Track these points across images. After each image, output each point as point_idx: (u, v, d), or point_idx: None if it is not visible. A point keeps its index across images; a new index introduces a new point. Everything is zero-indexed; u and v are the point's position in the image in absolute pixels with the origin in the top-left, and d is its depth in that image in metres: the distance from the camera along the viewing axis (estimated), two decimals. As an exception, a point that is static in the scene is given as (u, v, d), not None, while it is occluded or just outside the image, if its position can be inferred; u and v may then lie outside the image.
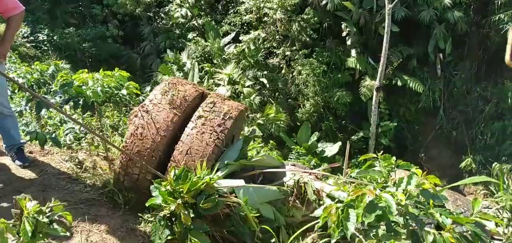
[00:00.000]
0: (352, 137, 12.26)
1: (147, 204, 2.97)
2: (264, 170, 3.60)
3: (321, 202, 3.21)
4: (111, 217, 3.52)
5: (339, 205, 2.13)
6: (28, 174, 4.08)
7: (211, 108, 3.63)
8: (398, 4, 11.32)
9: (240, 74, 11.86)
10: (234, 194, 3.08)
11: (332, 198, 2.29)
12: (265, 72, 12.34)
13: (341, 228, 2.04)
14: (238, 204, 3.01)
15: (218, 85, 11.90)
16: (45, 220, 2.14)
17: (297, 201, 3.33)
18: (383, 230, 2.05)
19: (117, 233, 3.35)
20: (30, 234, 2.09)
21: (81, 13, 15.64)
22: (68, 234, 2.27)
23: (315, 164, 9.88)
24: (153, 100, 3.69)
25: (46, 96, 6.97)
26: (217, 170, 3.31)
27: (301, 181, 3.35)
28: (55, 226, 2.21)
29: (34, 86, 8.08)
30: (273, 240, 3.52)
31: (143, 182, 3.45)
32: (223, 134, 3.45)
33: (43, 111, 6.45)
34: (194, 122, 3.51)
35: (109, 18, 15.67)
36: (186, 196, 2.80)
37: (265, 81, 12.08)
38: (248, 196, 3.12)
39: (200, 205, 2.84)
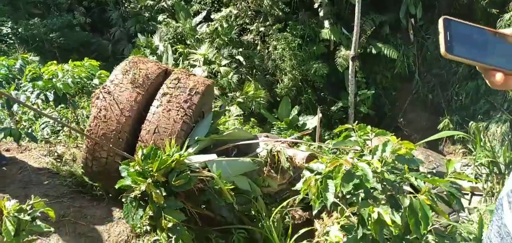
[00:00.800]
0: (332, 107, 12.41)
1: (116, 186, 2.91)
2: (237, 144, 3.56)
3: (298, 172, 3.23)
4: (97, 208, 3.50)
5: (317, 177, 2.18)
6: (7, 173, 4.00)
7: (176, 84, 3.51)
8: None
9: (215, 53, 11.74)
10: (207, 169, 3.04)
11: (311, 170, 2.33)
12: (241, 50, 12.25)
13: (321, 198, 2.09)
14: (211, 178, 2.98)
15: (193, 66, 11.76)
16: (27, 217, 2.12)
17: (272, 170, 3.33)
18: (362, 198, 2.12)
19: (104, 222, 3.34)
20: (12, 233, 2.07)
21: (45, 2, 15.05)
22: (52, 229, 2.25)
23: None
24: (114, 80, 3.53)
25: (16, 91, 6.79)
26: (187, 147, 3.24)
27: (274, 151, 3.33)
28: (38, 222, 2.19)
29: (3, 82, 7.83)
30: (251, 211, 3.57)
31: (112, 165, 3.36)
32: (190, 110, 3.36)
33: (15, 107, 6.29)
34: (159, 100, 3.40)
35: (75, 5, 15.19)
36: (156, 174, 2.78)
37: (241, 58, 12.02)
38: (222, 170, 3.09)
39: (172, 182, 2.82)
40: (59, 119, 3.13)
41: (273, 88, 12.34)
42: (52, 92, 6.14)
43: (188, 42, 12.62)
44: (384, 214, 1.89)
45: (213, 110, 4.14)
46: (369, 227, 1.99)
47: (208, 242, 3.44)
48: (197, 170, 3.00)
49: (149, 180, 2.75)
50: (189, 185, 2.88)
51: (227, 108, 10.26)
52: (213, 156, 3.18)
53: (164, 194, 2.76)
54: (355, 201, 2.19)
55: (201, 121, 3.57)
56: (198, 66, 11.61)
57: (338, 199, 2.34)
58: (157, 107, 3.36)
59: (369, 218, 1.94)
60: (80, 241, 3.17)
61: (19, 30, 13.06)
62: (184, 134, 3.31)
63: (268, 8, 12.30)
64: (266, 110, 11.49)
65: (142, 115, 3.40)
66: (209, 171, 3.03)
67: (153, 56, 12.45)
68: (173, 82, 3.51)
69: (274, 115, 11.73)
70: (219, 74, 11.40)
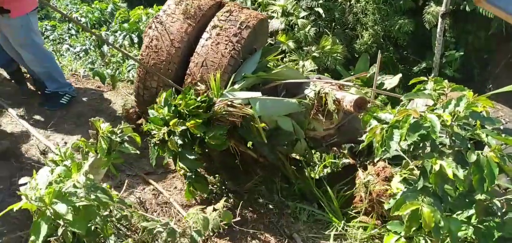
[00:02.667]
0: (414, 68, 11.72)
1: (144, 129, 3.06)
2: (286, 83, 3.40)
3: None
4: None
5: (384, 126, 2.18)
6: (98, 106, 4.56)
7: (227, 17, 3.38)
8: None
9: (294, 4, 11.54)
10: (249, 106, 2.97)
11: (378, 119, 2.33)
12: (321, 1, 11.90)
13: (384, 147, 2.11)
14: (250, 116, 2.91)
15: (271, 17, 11.74)
16: (118, 139, 2.44)
17: (318, 114, 3.17)
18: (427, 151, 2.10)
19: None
20: (105, 151, 2.41)
21: None
22: (138, 152, 2.55)
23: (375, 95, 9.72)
24: (167, 10, 3.49)
25: (106, 33, 7.45)
26: (233, 83, 3.18)
27: (322, 92, 3.16)
28: (126, 145, 2.50)
29: (96, 24, 8.61)
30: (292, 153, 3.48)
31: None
32: (239, 45, 3.23)
33: (106, 49, 6.93)
34: (209, 33, 3.31)
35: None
36: (171, 125, 2.86)
37: (320, 11, 11.68)
38: (265, 108, 3.02)
39: (206, 135, 2.87)
40: (133, 57, 3.23)
41: (352, 43, 11.91)
42: (136, 34, 6.67)
43: (267, -8, 12.56)
44: (447, 167, 1.86)
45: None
46: (430, 181, 1.98)
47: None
48: (239, 106, 2.95)
49: (165, 129, 2.86)
50: (223, 143, 2.92)
51: (302, 62, 10.21)
52: (257, 94, 3.08)
53: (182, 141, 2.86)
54: (419, 154, 2.17)
55: (250, 57, 3.43)
56: (276, 18, 11.57)
57: (402, 152, 2.33)
58: (206, 40, 3.28)
59: (431, 170, 1.93)
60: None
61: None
62: (231, 69, 3.22)
63: (353, -43, 11.71)
64: (342, 66, 11.21)
65: (192, 47, 3.36)
66: (251, 108, 2.96)
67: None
68: (224, 14, 3.41)
69: (350, 72, 11.41)
70: (296, 26, 11.27)
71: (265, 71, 3.42)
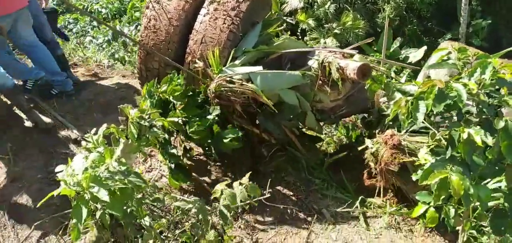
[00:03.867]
0: (439, 39, 11.39)
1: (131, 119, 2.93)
2: (291, 56, 3.30)
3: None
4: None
5: (409, 98, 2.17)
6: (124, 94, 4.69)
7: None
8: None
9: (313, -18, 11.40)
10: (250, 81, 2.89)
11: (402, 92, 2.32)
12: (340, -23, 11.68)
13: (411, 119, 2.10)
14: (252, 90, 2.82)
15: (289, -4, 11.62)
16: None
17: (324, 85, 3.07)
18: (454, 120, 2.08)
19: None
20: (136, 136, 2.50)
21: None
22: (166, 136, 2.63)
23: (396, 70, 9.54)
24: None
25: (126, 24, 7.59)
26: (234, 59, 3.10)
27: (326, 61, 3.04)
28: (155, 129, 2.59)
29: (116, 15, 8.73)
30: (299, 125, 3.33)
31: (163, 75, 3.33)
32: (238, 18, 3.12)
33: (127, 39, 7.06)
34: (206, 8, 3.21)
35: None
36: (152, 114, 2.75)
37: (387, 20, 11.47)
38: (267, 82, 2.93)
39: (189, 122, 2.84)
40: (133, 39, 3.13)
41: (373, 18, 11.66)
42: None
43: (285, -29, 12.40)
44: (475, 135, 1.84)
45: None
46: (458, 149, 1.98)
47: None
48: (239, 82, 2.88)
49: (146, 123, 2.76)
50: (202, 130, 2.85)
51: (323, 40, 10.09)
52: (257, 68, 3.00)
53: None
54: (446, 124, 2.16)
55: (251, 31, 3.32)
56: (295, -4, 11.44)
57: (428, 123, 2.32)
58: (204, 16, 3.18)
59: (459, 139, 1.92)
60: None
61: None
62: (230, 44, 3.12)
63: None
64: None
65: (191, 25, 3.28)
66: (252, 83, 2.88)
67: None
68: None
69: (373, 47, 11.21)
70: (315, 4, 11.12)
71: (266, 44, 3.31)
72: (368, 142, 3.11)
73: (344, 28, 10.29)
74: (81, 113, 4.21)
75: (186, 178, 3.12)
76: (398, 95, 2.29)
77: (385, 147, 2.89)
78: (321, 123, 3.64)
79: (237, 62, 3.05)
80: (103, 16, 8.40)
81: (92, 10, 8.75)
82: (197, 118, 2.96)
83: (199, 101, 3.16)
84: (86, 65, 5.47)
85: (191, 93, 3.09)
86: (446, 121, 2.20)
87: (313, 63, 3.13)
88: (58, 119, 4.04)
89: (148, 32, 3.32)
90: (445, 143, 2.16)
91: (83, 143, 2.84)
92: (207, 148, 3.50)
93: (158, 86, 3.00)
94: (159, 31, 3.27)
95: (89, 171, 2.25)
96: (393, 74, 4.52)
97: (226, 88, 2.89)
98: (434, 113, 2.01)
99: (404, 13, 11.45)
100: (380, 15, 11.40)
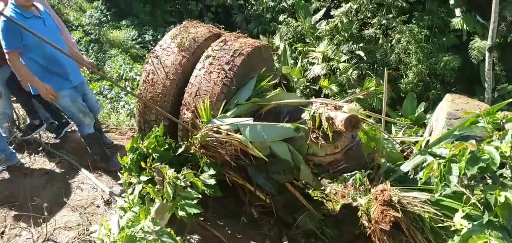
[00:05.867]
0: (463, 104, 11.33)
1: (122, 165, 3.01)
2: (290, 110, 3.23)
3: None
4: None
5: (441, 161, 2.18)
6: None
7: (221, 46, 3.33)
8: (510, -51, 10.06)
9: (334, 50, 11.74)
10: (239, 133, 2.83)
11: (433, 155, 2.33)
12: (361, 45, 12.01)
13: (444, 182, 2.10)
14: (239, 141, 2.76)
15: (312, 63, 11.95)
16: (182, 184, 2.58)
17: (319, 138, 2.94)
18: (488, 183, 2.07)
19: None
20: (171, 196, 2.56)
21: (179, 10, 16.90)
22: (200, 196, 2.65)
23: (422, 134, 9.47)
24: (163, 45, 3.49)
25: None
26: (226, 111, 3.08)
27: (317, 113, 2.93)
28: (189, 190, 2.64)
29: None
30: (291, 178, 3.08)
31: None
32: (232, 72, 3.15)
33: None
34: (202, 63, 3.28)
35: (204, 11, 16.71)
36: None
37: (361, 53, 11.79)
38: (257, 134, 2.87)
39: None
40: (132, 92, 3.15)
41: (396, 83, 11.80)
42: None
43: (307, 40, 12.86)
44: (512, 198, 1.83)
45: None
46: (496, 213, 1.95)
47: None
48: (225, 131, 2.83)
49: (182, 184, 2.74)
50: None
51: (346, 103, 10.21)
52: (247, 120, 2.96)
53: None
54: (481, 188, 2.14)
55: (245, 85, 3.31)
56: (317, 64, 11.77)
57: (460, 186, 2.30)
58: (199, 70, 3.25)
59: (496, 203, 1.90)
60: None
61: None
62: (224, 96, 3.13)
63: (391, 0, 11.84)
64: (389, 106, 11.07)
65: (187, 79, 3.33)
66: (241, 135, 2.82)
67: (274, 56, 13.00)
68: (219, 44, 3.36)
69: (397, 112, 11.23)
70: (338, 70, 11.39)
71: (260, 97, 3.28)
72: (359, 199, 2.95)
73: (367, 93, 10.44)
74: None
75: None
76: (429, 158, 2.30)
77: (376, 203, 2.68)
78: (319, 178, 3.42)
79: (228, 114, 3.04)
80: (138, 82, 8.85)
81: (127, 77, 9.26)
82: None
83: (181, 154, 3.12)
84: (118, 129, 5.70)
85: (167, 146, 3.08)
86: (481, 185, 2.18)
87: (305, 115, 3.07)
88: (90, 178, 4.16)
89: (146, 86, 3.42)
90: (480, 207, 2.13)
91: (119, 202, 2.92)
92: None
93: (142, 141, 3.04)
94: (157, 84, 3.37)
95: (125, 231, 2.31)
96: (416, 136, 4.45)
97: (212, 138, 2.84)
98: (468, 176, 2.02)
99: (427, 78, 11.58)
100: (403, 80, 11.56)
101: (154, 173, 2.69)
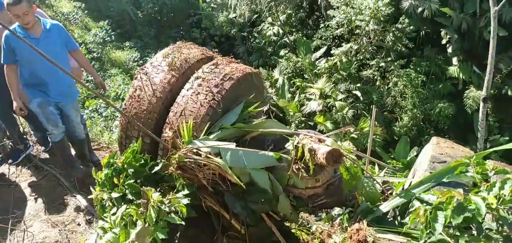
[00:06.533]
0: (456, 152, 11.39)
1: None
2: (275, 140, 3.18)
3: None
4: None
5: (427, 207, 2.17)
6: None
7: (212, 69, 3.31)
8: (506, 5, 10.30)
9: (332, 87, 11.85)
10: (219, 157, 2.78)
11: (421, 201, 2.32)
12: (358, 85, 12.14)
13: (429, 229, 2.08)
14: (218, 165, 2.68)
15: (309, 99, 12.05)
16: (166, 209, 2.54)
17: (301, 170, 2.89)
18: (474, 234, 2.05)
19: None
20: (154, 220, 2.51)
21: (183, 36, 17.15)
22: (183, 223, 2.60)
23: (406, 175, 9.46)
24: (153, 62, 3.48)
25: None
26: (209, 133, 3.03)
27: (300, 144, 2.88)
28: (173, 215, 2.60)
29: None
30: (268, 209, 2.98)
31: (142, 145, 3.29)
32: (219, 95, 3.11)
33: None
34: (191, 83, 3.25)
35: (207, 40, 16.93)
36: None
37: (358, 93, 11.91)
38: (237, 160, 2.80)
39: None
40: (116, 106, 3.17)
41: (391, 126, 11.87)
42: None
43: (306, 76, 13.00)
44: (496, 251, 1.81)
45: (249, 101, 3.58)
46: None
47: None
48: (205, 154, 2.75)
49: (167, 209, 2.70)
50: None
51: (338, 142, 10.22)
52: (229, 145, 2.90)
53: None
54: (466, 239, 2.12)
55: (232, 109, 3.27)
56: (314, 100, 11.87)
57: (445, 234, 2.28)
58: (187, 90, 3.22)
59: (479, 255, 1.87)
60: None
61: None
62: (208, 119, 3.09)
63: (390, 43, 12.01)
64: (382, 148, 11.10)
65: (175, 98, 3.30)
66: (221, 159, 2.76)
67: (272, 89, 13.09)
68: (210, 67, 3.34)
69: (389, 154, 11.26)
70: (334, 108, 11.47)
71: (246, 123, 3.22)
72: (335, 237, 2.91)
73: (362, 133, 10.47)
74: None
75: None
76: (416, 203, 2.29)
77: (351, 242, 2.66)
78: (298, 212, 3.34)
79: (211, 136, 2.98)
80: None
81: (125, 97, 9.24)
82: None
83: (158, 173, 3.07)
84: (110, 147, 5.66)
85: (143, 161, 3.04)
86: (466, 235, 2.16)
87: (288, 145, 3.01)
88: (75, 195, 4.09)
89: (132, 101, 3.39)
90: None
91: (100, 222, 2.86)
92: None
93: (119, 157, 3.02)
94: (142, 100, 3.32)
95: (103, 253, 2.25)
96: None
97: (190, 159, 2.77)
98: (453, 224, 2.00)
99: (421, 123, 11.65)
100: (398, 123, 11.62)
101: (128, 191, 2.65)
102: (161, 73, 3.36)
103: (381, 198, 3.27)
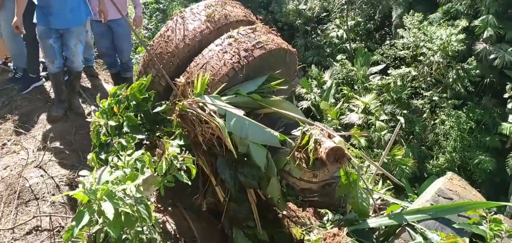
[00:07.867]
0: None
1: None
2: (288, 123, 3.09)
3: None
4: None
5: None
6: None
7: (247, 33, 3.19)
8: None
9: (377, 106, 11.53)
10: (223, 119, 2.68)
11: (424, 238, 2.24)
12: (405, 112, 11.74)
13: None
14: (218, 126, 2.61)
15: (351, 110, 11.81)
16: (177, 165, 2.57)
17: (302, 160, 2.75)
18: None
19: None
20: (163, 172, 2.56)
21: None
22: (189, 183, 2.60)
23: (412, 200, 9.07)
24: (194, 9, 3.38)
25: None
26: (223, 94, 2.95)
27: (307, 132, 2.73)
28: (182, 173, 2.63)
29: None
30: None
31: (156, 86, 3.23)
32: (246, 60, 3.00)
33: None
34: (222, 40, 3.15)
35: (270, 23, 16.92)
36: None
37: (402, 120, 11.53)
38: (240, 128, 2.71)
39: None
40: (143, 41, 3.06)
41: (424, 162, 11.39)
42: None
43: (355, 87, 12.74)
44: None
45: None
46: None
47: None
48: (208, 110, 2.69)
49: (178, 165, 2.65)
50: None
51: (367, 162, 9.97)
52: (238, 112, 2.81)
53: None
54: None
55: (254, 79, 3.15)
56: (355, 112, 11.60)
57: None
58: (216, 46, 3.12)
59: None
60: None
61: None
62: (227, 79, 2.98)
63: (451, 80, 11.46)
64: (408, 180, 10.62)
65: (202, 50, 3.21)
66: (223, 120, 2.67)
67: (318, 89, 12.87)
68: (247, 30, 3.22)
69: (414, 189, 10.82)
70: (373, 126, 11.17)
71: (262, 97, 3.09)
72: (312, 234, 2.86)
73: (393, 159, 10.12)
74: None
75: None
76: (418, 238, 2.23)
77: None
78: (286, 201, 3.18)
79: (223, 98, 2.87)
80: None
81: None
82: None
83: (159, 114, 3.05)
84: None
85: (147, 95, 3.01)
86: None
87: (297, 132, 2.89)
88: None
89: (160, 40, 3.33)
90: None
91: (115, 159, 2.96)
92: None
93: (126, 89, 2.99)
94: (170, 42, 3.25)
95: (108, 185, 2.34)
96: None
97: (193, 111, 2.69)
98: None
99: (456, 169, 11.13)
100: (432, 161, 11.15)
101: (125, 123, 2.66)
102: (197, 21, 3.29)
103: (370, 215, 3.16)
